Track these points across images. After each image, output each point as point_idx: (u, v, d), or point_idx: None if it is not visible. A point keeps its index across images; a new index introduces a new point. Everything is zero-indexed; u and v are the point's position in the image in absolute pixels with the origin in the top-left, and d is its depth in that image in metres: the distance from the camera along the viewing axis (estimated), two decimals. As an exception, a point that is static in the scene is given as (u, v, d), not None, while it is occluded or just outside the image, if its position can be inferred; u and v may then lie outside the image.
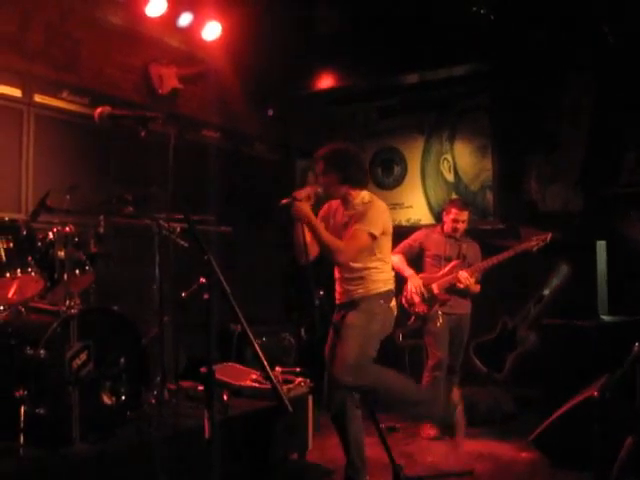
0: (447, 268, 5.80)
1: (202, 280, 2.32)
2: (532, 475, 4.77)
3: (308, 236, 4.13)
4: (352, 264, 4.22)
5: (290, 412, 2.23)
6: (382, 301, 4.28)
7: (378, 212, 4.18)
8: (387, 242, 4.34)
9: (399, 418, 5.75)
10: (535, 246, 5.69)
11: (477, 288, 5.84)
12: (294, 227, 4.16)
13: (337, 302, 4.45)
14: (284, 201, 4.08)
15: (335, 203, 4.43)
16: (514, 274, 6.38)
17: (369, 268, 4.26)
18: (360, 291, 4.27)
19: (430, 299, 5.74)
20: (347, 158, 4.30)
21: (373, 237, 4.13)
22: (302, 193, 4.13)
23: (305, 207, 4.07)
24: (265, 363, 2.30)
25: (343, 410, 4.23)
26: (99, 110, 2.59)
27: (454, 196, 7.68)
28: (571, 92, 7.04)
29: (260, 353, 2.25)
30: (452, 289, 5.75)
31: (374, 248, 4.22)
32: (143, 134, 2.58)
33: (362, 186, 4.31)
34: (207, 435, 2.24)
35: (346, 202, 4.32)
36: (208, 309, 2.31)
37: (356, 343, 4.14)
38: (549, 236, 5.68)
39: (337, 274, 4.44)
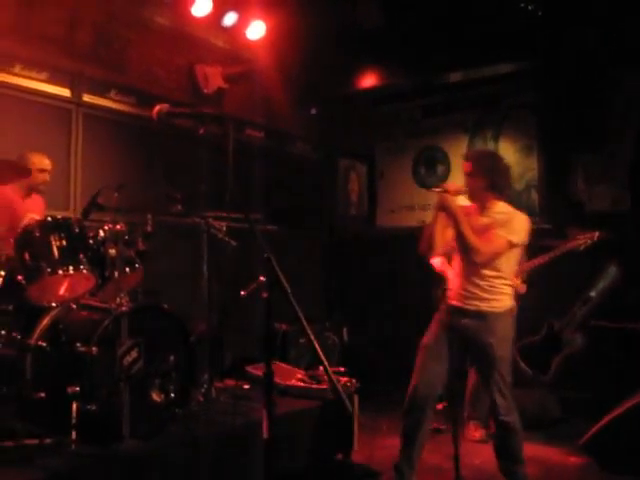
0: None
1: (261, 279, 2.31)
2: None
3: (439, 231, 4.10)
4: (484, 270, 4.10)
5: (350, 412, 2.20)
6: (511, 319, 4.25)
7: (521, 222, 4.08)
8: (518, 255, 4.27)
9: (443, 419, 5.70)
10: (582, 244, 5.57)
11: (523, 288, 5.74)
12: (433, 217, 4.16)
13: (455, 303, 4.22)
14: (436, 189, 4.08)
15: (466, 209, 4.29)
16: (561, 275, 6.27)
17: (501, 277, 4.15)
18: (492, 304, 4.13)
19: None
20: (496, 165, 4.23)
21: (511, 245, 4.04)
22: (452, 186, 4.11)
23: (455, 200, 4.06)
24: (325, 363, 2.27)
25: (428, 410, 4.19)
26: (157, 108, 2.60)
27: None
28: (622, 89, 6.91)
29: (321, 353, 2.23)
30: None
31: (510, 258, 4.14)
32: (201, 132, 2.57)
33: (502, 196, 4.20)
34: (265, 435, 2.23)
35: (483, 209, 4.19)
36: (268, 308, 2.30)
37: (508, 376, 4.13)
38: (596, 235, 5.56)
39: (459, 273, 4.28)
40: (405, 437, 4.23)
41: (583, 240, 5.55)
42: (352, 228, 8.80)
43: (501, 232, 4.00)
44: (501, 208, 4.16)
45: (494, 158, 4.34)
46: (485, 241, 4.02)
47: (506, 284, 4.18)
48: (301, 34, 6.98)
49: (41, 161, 4.85)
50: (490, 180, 4.11)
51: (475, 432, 5.64)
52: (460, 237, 4.06)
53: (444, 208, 4.06)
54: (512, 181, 4.43)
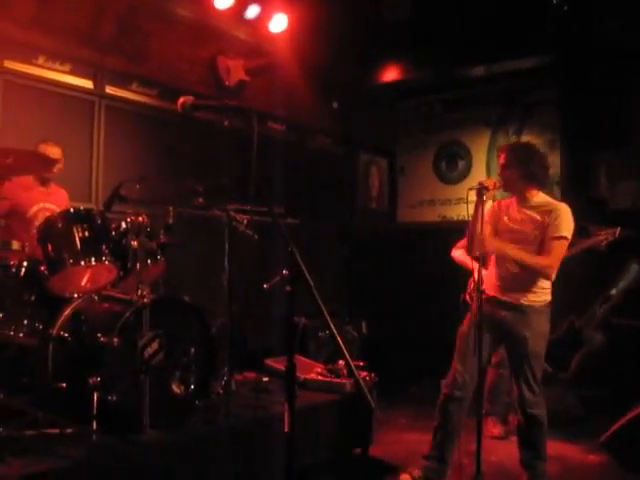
0: None
1: (284, 272, 2.31)
2: (603, 478, 4.66)
3: (480, 229, 3.97)
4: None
5: (373, 407, 2.19)
6: (548, 315, 4.19)
7: (568, 214, 4.02)
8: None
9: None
10: (603, 241, 5.49)
11: None
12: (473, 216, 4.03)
13: (492, 294, 4.14)
14: (475, 186, 3.98)
15: (505, 202, 4.29)
16: (582, 273, 6.22)
17: None
18: (530, 298, 4.10)
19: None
20: (531, 154, 4.19)
21: (568, 242, 4.03)
22: (490, 182, 4.02)
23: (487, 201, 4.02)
24: (348, 357, 2.27)
25: (467, 399, 4.17)
26: (182, 100, 2.59)
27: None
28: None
29: (343, 347, 2.22)
30: None
31: None
32: (226, 124, 2.57)
33: (541, 186, 4.17)
34: (287, 428, 2.22)
35: (522, 199, 4.16)
36: (290, 302, 2.29)
37: (539, 371, 4.14)
38: (618, 231, 5.49)
39: (497, 263, 4.23)
40: (440, 428, 4.21)
41: (604, 236, 5.49)
42: (372, 223, 8.79)
43: (558, 233, 3.95)
44: (541, 198, 4.14)
45: (529, 148, 4.31)
46: (550, 251, 3.96)
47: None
48: (323, 27, 6.96)
49: (54, 151, 4.83)
50: (525, 170, 4.07)
51: (494, 428, 5.61)
52: (519, 263, 4.03)
53: (479, 206, 3.96)
54: (547, 165, 4.28)
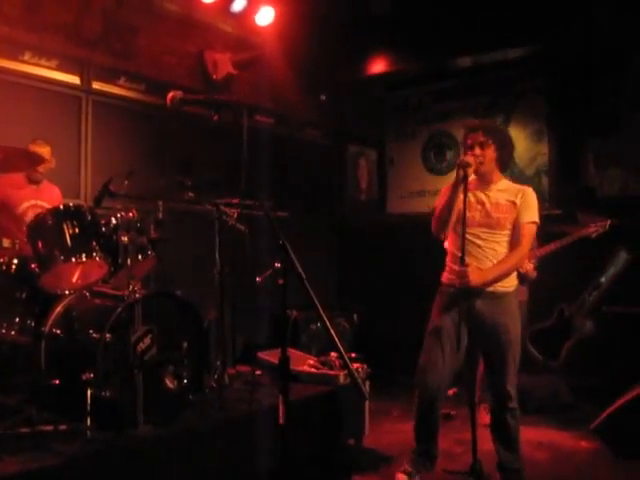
0: None
1: (277, 265, 2.32)
2: (594, 465, 4.69)
3: (454, 209, 3.89)
4: (500, 248, 3.98)
5: (367, 398, 2.20)
6: (517, 298, 4.12)
7: (535, 200, 3.99)
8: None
9: (455, 405, 5.71)
10: (594, 232, 5.54)
11: (534, 274, 5.72)
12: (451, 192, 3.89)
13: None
14: (461, 162, 3.81)
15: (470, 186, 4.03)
16: (572, 261, 6.26)
17: None
18: (504, 283, 3.99)
19: None
20: (508, 139, 4.14)
21: (537, 226, 4.00)
22: (470, 158, 3.86)
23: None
24: (342, 349, 2.28)
25: (439, 398, 4.10)
26: (171, 94, 2.60)
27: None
28: (632, 72, 6.86)
29: (336, 339, 2.24)
30: None
31: None
32: (215, 118, 2.57)
33: (504, 172, 4.12)
34: (281, 421, 2.24)
35: (489, 183, 4.03)
36: (283, 294, 2.30)
37: (515, 361, 4.01)
38: (608, 222, 5.52)
39: (454, 247, 4.06)
40: (419, 424, 4.16)
41: (594, 228, 5.52)
42: (362, 214, 8.80)
43: (527, 218, 3.91)
44: (506, 184, 4.05)
45: (506, 133, 4.24)
46: (521, 238, 3.91)
47: None
48: (310, 20, 6.96)
49: (42, 149, 4.83)
50: (499, 152, 3.98)
51: (486, 416, 5.64)
52: (505, 275, 3.98)
53: (460, 183, 3.81)
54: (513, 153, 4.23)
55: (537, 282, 5.79)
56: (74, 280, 4.02)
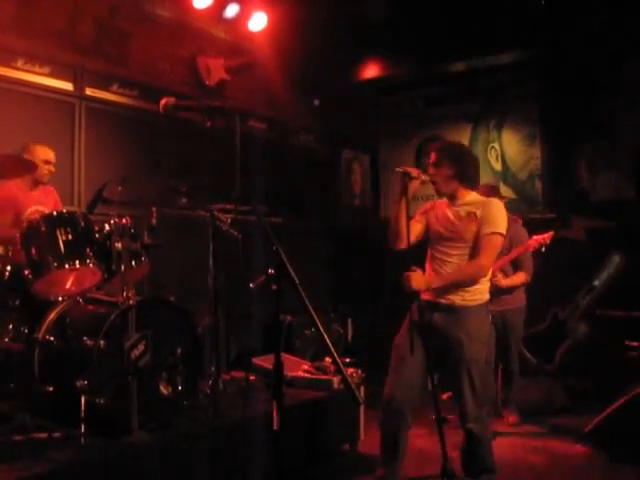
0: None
1: (270, 270, 2.32)
2: (589, 469, 4.69)
3: (405, 219, 3.86)
4: (462, 262, 3.90)
5: (360, 403, 2.20)
6: (486, 317, 3.99)
7: (501, 211, 3.90)
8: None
9: (452, 408, 5.71)
10: (537, 245, 5.38)
11: (515, 281, 5.62)
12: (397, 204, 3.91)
13: (426, 297, 3.93)
14: (399, 169, 3.87)
15: (438, 203, 4.11)
16: (565, 264, 6.29)
17: None
18: (465, 297, 3.88)
19: None
20: (462, 153, 4.08)
21: (503, 237, 3.91)
22: (414, 170, 3.89)
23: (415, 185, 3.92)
24: (335, 354, 2.28)
25: (404, 414, 3.96)
26: (164, 101, 2.60)
27: (501, 186, 7.60)
28: (625, 77, 6.89)
29: (329, 343, 2.24)
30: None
31: None
32: (209, 124, 2.58)
33: (473, 186, 4.02)
34: (275, 426, 2.23)
35: (453, 199, 3.98)
36: (277, 300, 2.31)
37: (478, 380, 3.85)
38: (550, 234, 5.37)
39: (431, 263, 4.04)
40: (385, 445, 4.04)
41: (534, 242, 5.40)
42: (356, 219, 8.80)
43: (489, 229, 3.81)
44: (472, 198, 3.97)
45: (460, 148, 4.19)
46: (483, 249, 3.81)
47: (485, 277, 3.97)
48: (303, 25, 6.97)
49: (46, 153, 4.85)
50: (456, 169, 3.93)
51: (510, 417, 5.70)
52: (458, 284, 3.88)
53: (403, 194, 3.87)
54: (477, 166, 4.11)
55: (532, 286, 5.78)
56: (68, 287, 4.01)
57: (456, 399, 3.94)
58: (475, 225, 3.86)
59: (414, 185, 3.92)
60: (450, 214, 3.97)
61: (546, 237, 5.38)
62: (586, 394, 6.04)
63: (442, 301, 3.90)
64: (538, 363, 6.38)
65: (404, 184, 3.86)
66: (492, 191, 5.75)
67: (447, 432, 3.93)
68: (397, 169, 3.94)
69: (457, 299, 3.88)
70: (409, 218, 3.95)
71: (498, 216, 3.87)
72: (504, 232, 3.89)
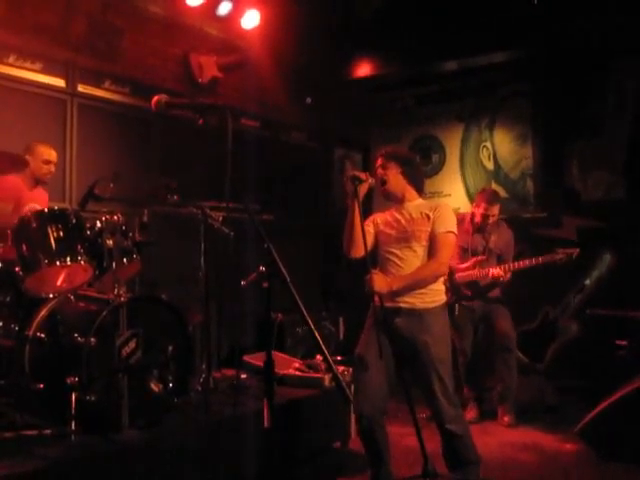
0: (469, 262, 5.65)
1: (262, 268, 2.32)
2: (579, 467, 4.70)
3: (360, 225, 3.81)
4: (418, 262, 3.89)
5: (351, 400, 2.21)
6: (446, 317, 3.98)
7: (451, 211, 3.96)
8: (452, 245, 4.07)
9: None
10: (562, 259, 5.45)
11: (506, 277, 5.66)
12: (348, 212, 3.87)
13: (385, 303, 3.85)
14: (349, 174, 3.82)
15: (386, 212, 4.12)
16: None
17: None
18: (424, 299, 3.87)
19: (452, 288, 5.59)
20: (408, 156, 4.17)
21: (456, 236, 3.95)
22: (363, 174, 3.85)
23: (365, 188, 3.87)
24: (325, 351, 2.29)
25: (378, 422, 3.93)
26: (156, 98, 2.59)
27: (493, 185, 7.63)
28: (615, 76, 6.92)
29: (321, 343, 2.24)
30: (473, 284, 5.66)
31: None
32: (201, 122, 2.57)
33: (419, 190, 4.06)
34: (266, 423, 2.24)
35: (402, 201, 4.01)
36: (268, 298, 2.31)
37: (448, 380, 3.84)
38: (576, 252, 5.45)
39: (379, 270, 4.01)
40: (368, 453, 4.04)
41: (562, 255, 5.46)
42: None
43: (443, 228, 3.84)
44: (421, 201, 4.03)
45: (406, 151, 4.25)
46: (439, 248, 3.83)
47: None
48: (296, 23, 6.97)
49: (48, 152, 4.87)
50: (403, 168, 3.98)
51: (468, 412, 5.69)
52: (416, 285, 3.86)
53: (353, 198, 3.82)
54: (422, 172, 4.21)
55: (522, 285, 5.81)
56: (59, 283, 4.00)
57: (429, 401, 3.89)
58: (428, 225, 3.89)
59: (364, 189, 3.86)
60: (400, 217, 4.00)
61: (574, 253, 5.45)
62: (576, 393, 6.06)
63: (403, 305, 3.87)
64: (529, 361, 6.40)
65: (355, 188, 3.80)
66: (495, 197, 5.82)
67: (434, 428, 3.93)
68: (346, 174, 3.95)
69: (417, 302, 3.86)
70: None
71: (451, 216, 3.93)
72: (456, 231, 3.92)
